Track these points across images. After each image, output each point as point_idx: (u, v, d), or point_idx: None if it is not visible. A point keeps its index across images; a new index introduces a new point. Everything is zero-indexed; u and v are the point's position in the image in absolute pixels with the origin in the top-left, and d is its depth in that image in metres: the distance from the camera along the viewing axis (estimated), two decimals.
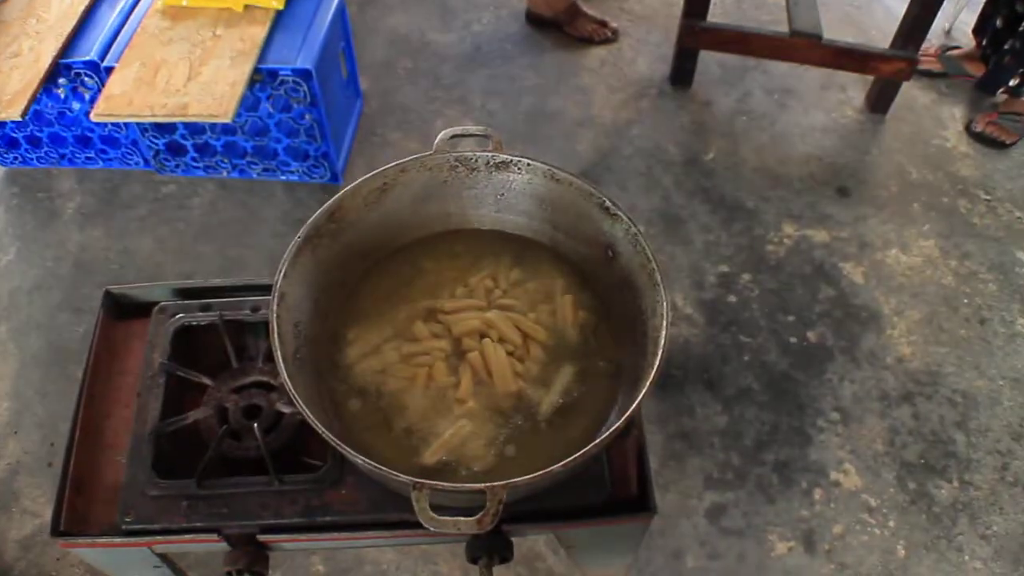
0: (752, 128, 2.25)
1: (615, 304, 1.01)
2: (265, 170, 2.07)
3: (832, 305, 1.91)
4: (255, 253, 1.98)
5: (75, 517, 0.99)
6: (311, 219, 0.95)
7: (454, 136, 1.02)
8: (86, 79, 1.87)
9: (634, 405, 0.83)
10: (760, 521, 1.61)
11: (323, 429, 0.80)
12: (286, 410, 1.05)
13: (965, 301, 1.92)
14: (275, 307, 0.88)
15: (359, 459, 0.79)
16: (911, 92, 2.31)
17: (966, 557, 1.57)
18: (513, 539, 0.98)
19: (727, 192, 2.10)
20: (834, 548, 1.58)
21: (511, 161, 1.02)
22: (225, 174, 2.10)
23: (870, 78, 2.28)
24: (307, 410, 0.80)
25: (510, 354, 0.98)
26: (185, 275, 1.93)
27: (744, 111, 2.29)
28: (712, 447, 1.69)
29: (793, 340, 1.85)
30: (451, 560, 1.54)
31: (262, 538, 0.98)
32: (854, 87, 2.36)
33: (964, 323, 1.89)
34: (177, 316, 1.12)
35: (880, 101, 2.28)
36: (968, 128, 2.26)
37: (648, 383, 0.84)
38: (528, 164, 1.01)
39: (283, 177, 2.09)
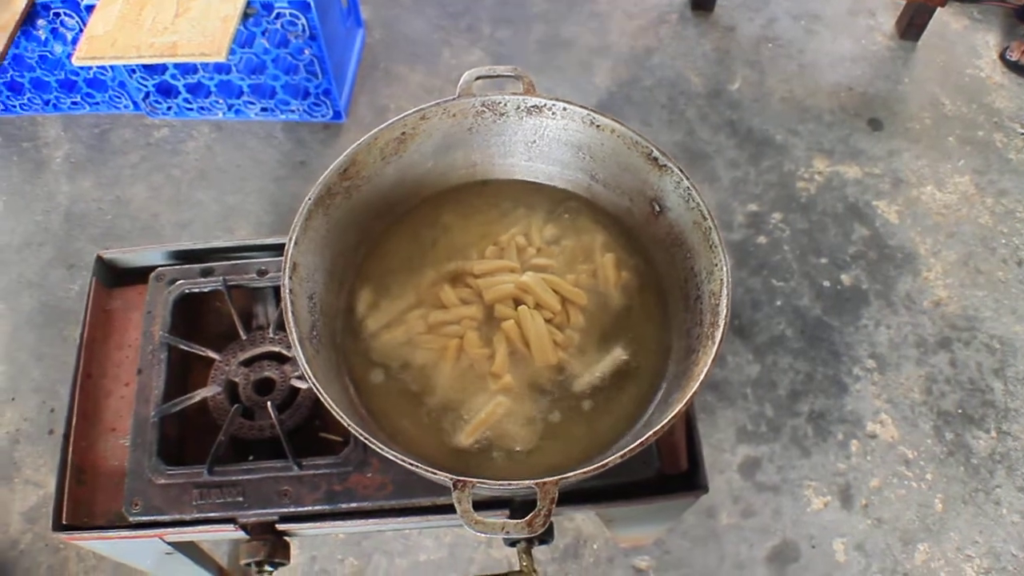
0: (779, 56, 2.12)
1: (662, 264, 0.93)
2: (263, 110, 1.96)
3: (866, 246, 1.81)
4: (256, 199, 1.88)
5: (78, 509, 0.91)
6: (322, 178, 0.85)
7: (479, 77, 0.92)
8: (66, 19, 1.74)
9: (697, 384, 0.74)
10: (795, 475, 1.54)
11: (351, 423, 0.71)
12: (301, 385, 0.97)
13: (1003, 241, 1.82)
14: (287, 280, 0.79)
15: (394, 456, 0.70)
16: (942, 18, 2.17)
17: (1004, 511, 1.51)
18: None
19: (754, 125, 1.99)
20: (871, 503, 1.52)
21: (544, 105, 0.91)
22: (220, 115, 1.99)
23: (900, 3, 2.14)
24: (333, 404, 0.71)
25: (548, 321, 0.90)
26: (182, 224, 1.84)
27: (770, 38, 2.16)
28: (744, 398, 1.62)
29: (826, 284, 1.76)
30: None
31: (282, 527, 0.91)
32: (884, 12, 2.21)
33: (1002, 264, 1.79)
34: (176, 283, 1.03)
35: (911, 27, 2.14)
36: (1002, 57, 2.13)
37: (710, 361, 0.76)
38: (564, 108, 0.91)
39: (282, 117, 1.98)
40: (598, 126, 0.90)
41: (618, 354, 0.89)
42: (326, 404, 0.73)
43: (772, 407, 1.61)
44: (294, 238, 0.82)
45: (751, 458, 1.56)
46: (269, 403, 0.95)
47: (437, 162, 0.96)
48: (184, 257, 1.09)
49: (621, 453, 0.71)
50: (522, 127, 0.94)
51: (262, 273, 1.04)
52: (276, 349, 1.01)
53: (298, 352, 0.76)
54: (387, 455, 0.70)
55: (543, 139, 0.95)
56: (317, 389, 0.73)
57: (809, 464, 1.55)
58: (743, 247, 1.79)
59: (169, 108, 1.98)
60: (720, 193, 1.87)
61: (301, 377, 0.97)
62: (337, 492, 0.90)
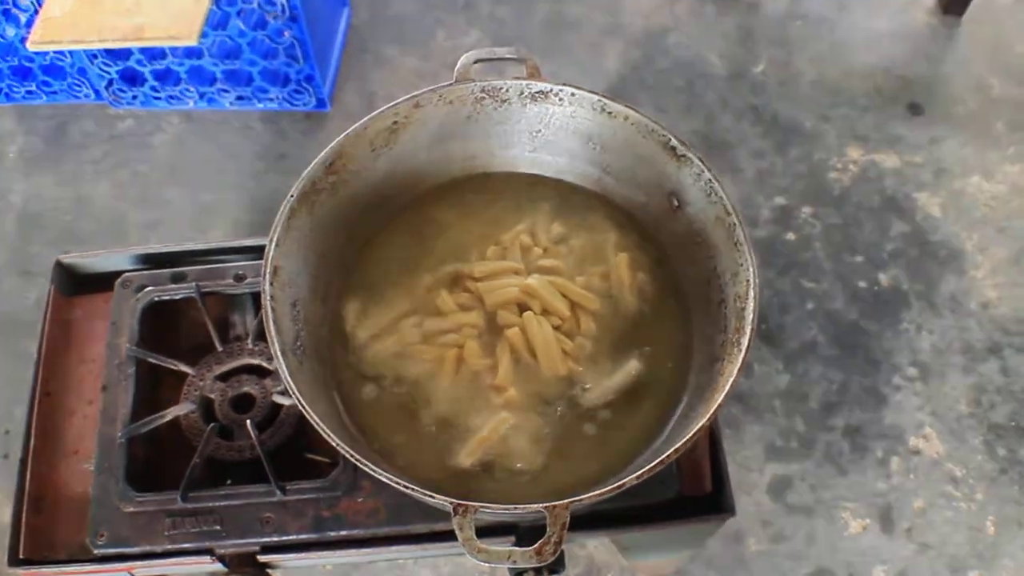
0: (808, 35, 2.13)
1: (682, 264, 0.94)
2: (239, 98, 1.97)
3: (906, 242, 1.81)
4: (232, 197, 1.88)
5: (37, 541, 0.92)
6: (305, 172, 0.86)
7: (478, 60, 0.93)
8: None
9: (722, 396, 0.75)
10: (830, 496, 1.55)
11: (339, 442, 0.72)
12: (284, 401, 0.98)
13: None
14: (268, 286, 0.80)
15: (388, 478, 0.71)
16: None
17: None
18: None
19: (781, 111, 1.99)
20: (915, 526, 1.52)
21: (550, 90, 0.93)
22: (192, 105, 2.00)
23: None
24: (320, 421, 0.72)
25: (557, 329, 0.90)
26: (150, 225, 1.84)
27: (798, 15, 2.17)
28: (773, 411, 1.62)
29: (862, 284, 1.76)
30: None
31: (264, 558, 0.91)
32: None
33: None
34: (144, 290, 1.04)
35: (955, 2, 2.15)
36: None
37: (736, 371, 0.76)
38: (572, 94, 0.92)
39: (260, 106, 1.99)
40: (610, 113, 0.91)
41: (633, 364, 0.89)
42: (312, 422, 0.73)
43: (804, 421, 1.61)
44: (275, 239, 0.82)
45: (781, 477, 1.56)
46: (248, 421, 0.95)
47: (432, 154, 0.96)
48: (153, 261, 1.10)
49: (638, 473, 0.71)
50: (526, 115, 0.95)
51: (240, 278, 1.04)
52: (256, 362, 1.01)
53: (280, 365, 0.76)
54: (380, 477, 0.71)
55: (549, 128, 0.96)
56: (301, 405, 0.74)
57: (845, 483, 1.56)
58: (770, 244, 1.80)
59: (135, 97, 1.98)
60: (744, 185, 1.88)
61: (284, 392, 0.98)
62: (325, 519, 0.91)
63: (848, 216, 1.84)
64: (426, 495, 0.70)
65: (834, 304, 1.74)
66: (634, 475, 0.71)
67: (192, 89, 1.95)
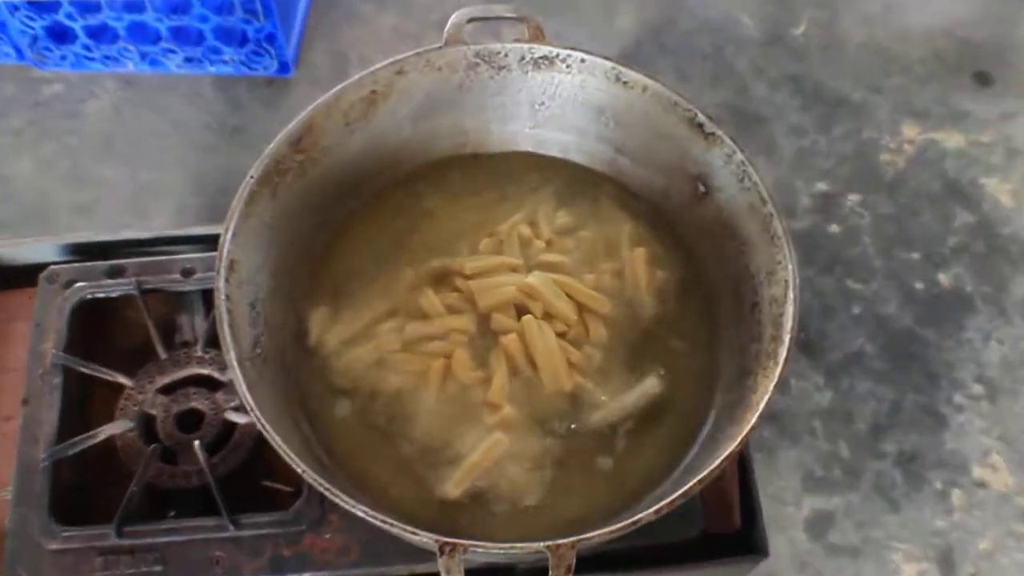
0: None
1: (708, 261, 0.95)
2: (187, 60, 1.96)
3: (971, 236, 1.82)
4: (178, 176, 1.88)
5: None
6: (268, 149, 0.87)
7: (472, 20, 0.93)
8: None
9: (755, 417, 0.76)
10: (880, 535, 1.55)
11: (306, 468, 0.72)
12: (239, 419, 0.99)
13: None
14: (223, 283, 0.81)
15: (363, 512, 0.71)
16: None
17: None
18: None
19: (824, 80, 2.00)
20: (979, 571, 1.53)
21: (556, 56, 0.94)
22: (131, 67, 1.99)
23: None
24: (282, 443, 0.72)
25: (561, 336, 0.91)
26: (81, 209, 1.84)
27: None
28: (812, 434, 1.63)
29: (919, 285, 1.77)
30: None
31: None
32: None
33: None
34: (75, 286, 1.05)
35: None
36: None
37: (772, 386, 0.77)
38: (582, 60, 0.93)
39: (212, 69, 1.99)
40: (625, 83, 0.92)
41: (651, 378, 0.90)
42: (273, 443, 0.74)
43: (849, 446, 1.62)
44: (232, 227, 0.83)
45: (822, 513, 1.57)
46: (196, 443, 0.95)
47: (417, 129, 0.97)
48: (85, 252, 1.10)
49: (657, 507, 0.71)
50: (527, 85, 0.96)
51: (188, 273, 1.05)
52: (206, 372, 1.02)
53: (236, 375, 0.77)
54: (353, 510, 0.71)
55: (554, 100, 0.97)
56: (261, 424, 0.74)
57: (898, 520, 1.56)
58: (810, 238, 1.80)
59: (64, 57, 1.97)
60: (780, 169, 1.88)
61: (239, 408, 0.98)
62: (286, 558, 0.91)
63: (903, 205, 1.85)
64: (407, 531, 0.71)
65: (885, 308, 1.74)
66: (652, 509, 0.71)
67: (132, 48, 1.95)
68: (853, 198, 1.86)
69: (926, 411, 1.65)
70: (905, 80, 2.01)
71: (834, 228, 1.82)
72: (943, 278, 1.78)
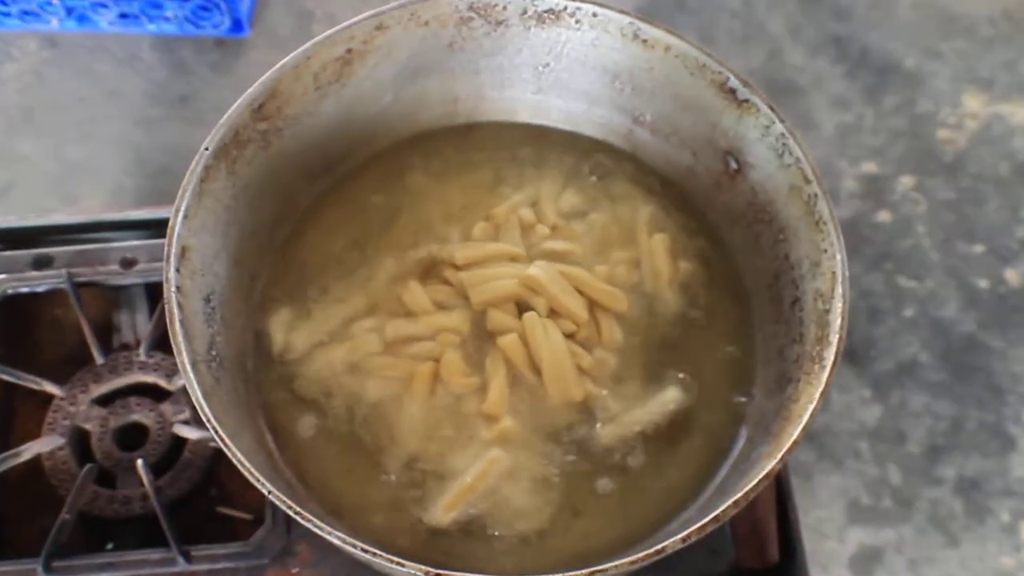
0: None
1: (741, 250, 0.96)
2: (122, 16, 1.97)
3: None
4: (112, 153, 1.89)
5: None
6: (225, 117, 0.87)
7: None
8: None
9: (798, 431, 0.76)
10: (936, 574, 1.56)
11: (272, 488, 0.72)
12: (189, 434, 0.99)
13: None
14: (173, 273, 0.80)
15: (341, 540, 0.71)
16: None
17: None
18: None
19: (872, 43, 2.02)
20: None
21: (564, 9, 0.94)
22: (55, 24, 2.00)
23: None
24: (244, 459, 0.72)
25: (569, 337, 0.91)
26: None
27: None
28: (858, 456, 1.64)
29: (983, 284, 1.78)
30: None
31: None
32: None
33: None
34: None
35: None
36: None
37: (817, 395, 0.77)
38: (594, 14, 0.93)
39: (152, 28, 2.00)
40: (645, 41, 0.92)
41: (674, 386, 0.90)
42: (233, 459, 0.73)
43: (900, 470, 1.63)
44: (183, 208, 0.82)
45: (869, 548, 1.58)
46: (140, 462, 0.96)
47: (400, 95, 0.97)
48: (5, 239, 1.11)
49: (685, 533, 0.71)
50: (529, 43, 0.96)
51: (128, 264, 1.06)
52: (150, 380, 1.03)
53: (190, 381, 0.77)
54: (330, 538, 0.71)
55: (561, 62, 0.97)
56: (219, 437, 0.74)
57: (958, 557, 1.57)
58: (855, 228, 1.82)
59: None
60: (820, 146, 1.90)
61: (189, 422, 0.99)
62: None
63: (964, 190, 1.87)
64: (393, 562, 0.71)
65: (943, 310, 1.76)
66: (679, 536, 0.71)
67: (56, 3, 1.95)
68: (906, 181, 1.87)
69: (991, 431, 1.66)
70: (967, 43, 2.02)
71: (883, 216, 1.83)
72: (1011, 275, 1.79)
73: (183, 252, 0.82)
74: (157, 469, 0.97)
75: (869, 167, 1.89)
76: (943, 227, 1.84)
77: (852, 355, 1.72)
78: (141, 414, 1.01)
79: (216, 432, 0.74)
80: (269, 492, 0.73)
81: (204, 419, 0.75)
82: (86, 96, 1.97)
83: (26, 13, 1.97)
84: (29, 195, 1.84)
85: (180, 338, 0.78)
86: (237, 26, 1.98)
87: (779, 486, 0.98)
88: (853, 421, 1.67)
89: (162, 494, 0.95)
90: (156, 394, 1.03)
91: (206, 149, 0.85)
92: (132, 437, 1.00)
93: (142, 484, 0.94)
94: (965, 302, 1.78)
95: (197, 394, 0.76)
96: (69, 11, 1.97)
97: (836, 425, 1.67)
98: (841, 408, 1.68)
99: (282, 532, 0.93)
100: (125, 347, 1.05)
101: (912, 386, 1.70)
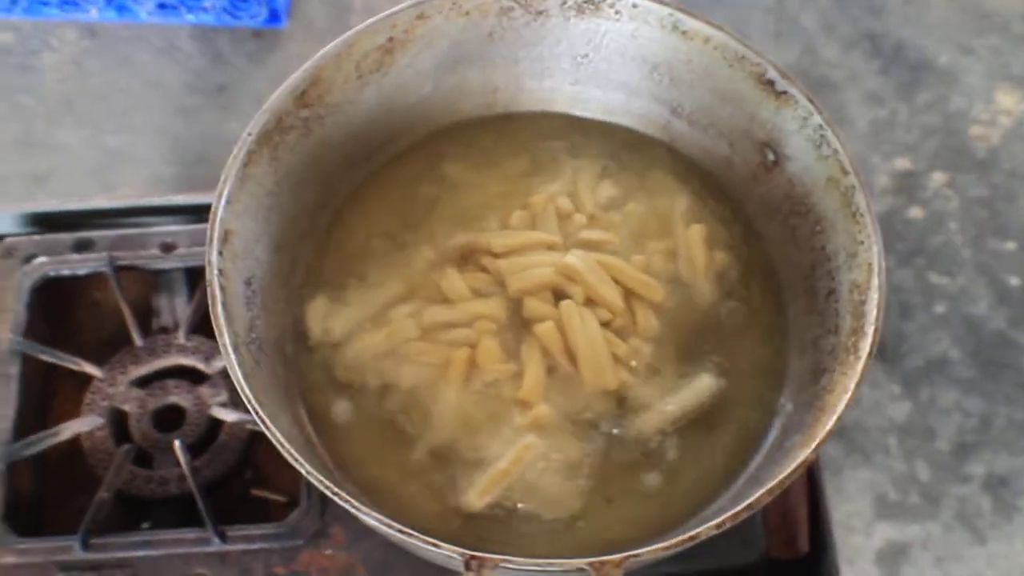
0: None
1: (777, 242, 0.95)
2: (161, 7, 1.98)
3: None
4: (150, 142, 1.90)
5: None
6: (268, 103, 0.87)
7: None
8: None
9: (832, 420, 0.77)
10: (964, 572, 1.56)
11: (311, 469, 0.72)
12: (226, 416, 1.00)
13: None
14: (216, 256, 0.81)
15: (379, 521, 0.72)
16: None
17: None
18: None
19: (906, 39, 2.00)
20: None
21: (603, 0, 0.93)
22: (95, 14, 2.01)
23: None
24: (284, 440, 0.73)
25: (605, 325, 0.91)
26: (38, 178, 1.86)
27: None
28: (886, 452, 1.64)
29: (1014, 281, 1.77)
30: None
31: None
32: None
33: None
34: (35, 261, 1.06)
35: None
36: None
37: (852, 386, 0.79)
38: (634, 5, 0.93)
39: (191, 18, 2.00)
40: (684, 32, 0.92)
41: (709, 376, 0.91)
42: (272, 439, 0.74)
43: (928, 466, 1.62)
44: (226, 193, 0.83)
45: (896, 544, 1.58)
46: (177, 443, 0.96)
47: (440, 84, 0.97)
48: (46, 223, 1.12)
49: (720, 520, 0.72)
50: (568, 33, 0.96)
51: (168, 248, 1.06)
52: (188, 363, 1.03)
53: (231, 363, 0.77)
54: (367, 519, 0.72)
55: (600, 52, 0.97)
56: (259, 417, 0.75)
57: (985, 555, 1.57)
58: (888, 223, 1.81)
59: (15, 2, 1.99)
60: (854, 142, 1.89)
61: (226, 404, 1.00)
62: None
63: (997, 186, 1.85)
64: (429, 543, 0.71)
65: (975, 307, 1.75)
66: (713, 523, 0.72)
67: None
68: (938, 178, 1.86)
69: (1020, 428, 1.65)
70: (1001, 40, 2.01)
71: (915, 212, 1.83)
72: None
73: (225, 236, 0.83)
74: (194, 450, 0.98)
75: (902, 163, 1.89)
76: (975, 224, 1.83)
77: (882, 351, 1.71)
78: (179, 396, 1.01)
79: (256, 412, 0.75)
80: (308, 472, 0.73)
81: (244, 399, 0.75)
82: (125, 86, 1.97)
83: (66, 3, 1.98)
84: (68, 183, 1.85)
85: (222, 320, 0.79)
86: (274, 17, 1.98)
87: (810, 478, 0.98)
88: (883, 417, 1.66)
89: (198, 475, 0.96)
90: (194, 377, 1.03)
91: (249, 135, 0.86)
92: (170, 419, 1.01)
93: (179, 465, 0.95)
94: (996, 299, 1.77)
95: (238, 375, 0.77)
96: (108, 1, 1.97)
97: (866, 421, 1.66)
98: (871, 404, 1.67)
99: (316, 514, 0.94)
100: (164, 330, 1.06)
101: (942, 383, 1.70)
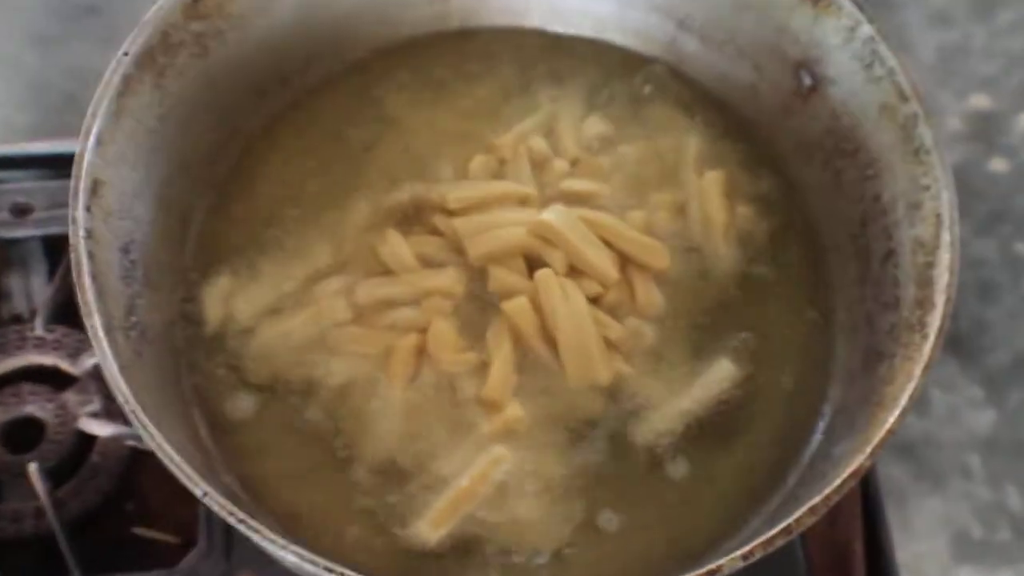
0: None
1: (815, 191, 0.96)
2: None
3: None
4: (1, 80, 1.88)
5: None
6: (150, 15, 0.87)
7: None
8: None
9: (892, 418, 0.76)
10: None
11: (212, 492, 0.71)
12: (99, 430, 0.99)
13: None
14: (82, 213, 0.80)
15: (307, 559, 0.71)
16: None
17: None
18: None
19: None
20: None
21: None
22: None
23: None
24: (173, 452, 0.72)
25: (594, 302, 0.91)
26: None
27: None
28: (966, 474, 1.64)
29: None
30: None
31: None
32: None
33: None
34: None
35: None
36: None
37: (918, 373, 0.77)
38: None
39: None
40: None
41: (729, 365, 0.91)
42: (161, 456, 0.73)
43: (1021, 493, 1.63)
44: (96, 131, 0.83)
45: None
46: (32, 467, 0.95)
47: None
48: None
49: (745, 551, 0.71)
50: None
51: (21, 211, 1.07)
52: (48, 361, 1.04)
53: (104, 353, 0.76)
54: (288, 557, 0.71)
55: None
56: (141, 424, 0.74)
57: None
58: (962, 179, 1.79)
59: None
60: (918, 74, 1.89)
61: (98, 414, 0.99)
62: None
63: None
64: None
65: None
66: (739, 553, 0.71)
67: None
68: None
69: None
70: None
71: (998, 165, 1.83)
72: None
73: (95, 187, 0.82)
74: (56, 476, 0.97)
75: (979, 101, 1.89)
76: None
77: (958, 343, 1.71)
78: (36, 405, 1.01)
79: (136, 417, 0.74)
80: (204, 494, 0.72)
81: (121, 402, 0.74)
82: None
83: None
84: None
85: (90, 296, 0.78)
86: None
87: (868, 507, 0.99)
88: (960, 429, 1.66)
89: (62, 508, 0.95)
90: (56, 380, 1.03)
91: (125, 54, 0.85)
92: (24, 435, 1.00)
93: (36, 496, 0.95)
94: None
95: (112, 368, 0.75)
96: None
97: (938, 434, 1.66)
98: (944, 412, 1.67)
99: (219, 557, 0.94)
100: (16, 319, 1.06)
101: None
